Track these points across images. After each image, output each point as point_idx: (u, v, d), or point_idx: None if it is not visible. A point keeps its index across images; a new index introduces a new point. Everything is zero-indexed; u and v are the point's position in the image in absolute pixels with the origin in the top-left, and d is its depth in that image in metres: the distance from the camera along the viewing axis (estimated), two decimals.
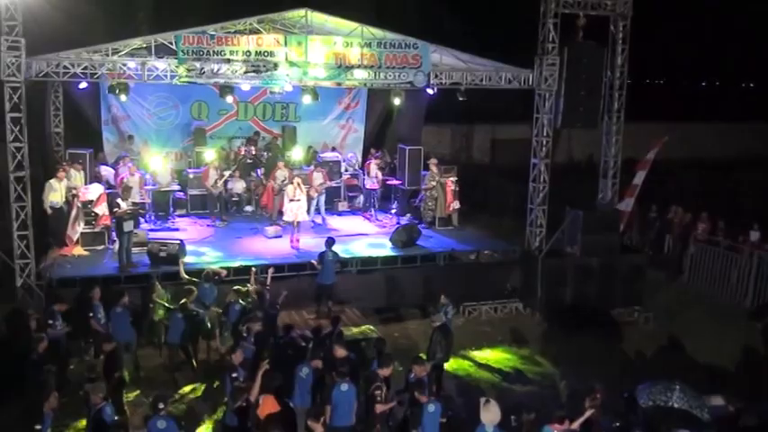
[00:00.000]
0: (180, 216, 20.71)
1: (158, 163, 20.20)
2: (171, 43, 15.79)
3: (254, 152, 21.73)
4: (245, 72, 16.02)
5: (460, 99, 17.55)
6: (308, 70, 16.36)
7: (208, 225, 19.93)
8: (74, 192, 17.55)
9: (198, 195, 20.83)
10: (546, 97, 17.66)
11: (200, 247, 17.95)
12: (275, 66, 16.12)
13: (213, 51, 15.83)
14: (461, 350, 15.96)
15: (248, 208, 21.35)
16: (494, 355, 16.07)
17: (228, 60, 15.87)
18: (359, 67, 16.62)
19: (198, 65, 15.76)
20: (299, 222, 18.03)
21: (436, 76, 17.29)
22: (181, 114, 22.38)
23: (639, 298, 17.86)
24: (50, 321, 13.39)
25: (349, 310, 16.80)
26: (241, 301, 14.43)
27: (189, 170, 21.43)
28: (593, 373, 14.43)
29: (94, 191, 17.51)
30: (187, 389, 13.99)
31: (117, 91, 16.16)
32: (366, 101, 23.74)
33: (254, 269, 15.17)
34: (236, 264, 16.40)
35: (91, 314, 14.25)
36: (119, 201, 16.13)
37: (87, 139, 21.02)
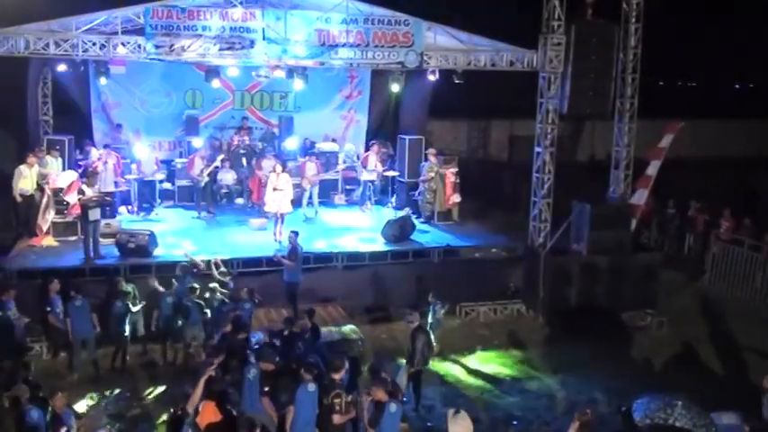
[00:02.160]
0: (167, 207, 19.29)
1: (143, 152, 18.78)
2: (139, 17, 14.31)
3: (247, 142, 20.23)
4: (219, 49, 14.47)
5: (456, 81, 15.85)
6: (287, 48, 14.77)
7: (193, 217, 18.45)
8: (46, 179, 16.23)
9: (186, 186, 19.35)
10: (551, 80, 15.87)
11: (178, 239, 16.48)
12: (251, 43, 14.56)
13: (184, 26, 14.30)
14: (452, 354, 14.43)
15: (239, 200, 19.82)
16: (488, 361, 14.39)
17: (200, 36, 14.34)
18: (344, 45, 14.99)
19: (167, 41, 14.24)
20: (282, 214, 16.41)
21: (430, 57, 15.57)
22: (174, 103, 20.90)
23: (653, 300, 16.12)
24: None
25: (333, 309, 15.21)
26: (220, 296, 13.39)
27: (176, 160, 19.97)
28: (597, 383, 13.10)
29: (66, 178, 16.10)
30: (147, 391, 12.68)
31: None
32: (369, 91, 22.09)
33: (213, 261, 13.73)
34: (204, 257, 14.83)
35: (48, 308, 13.01)
36: (83, 187, 14.68)
37: (77, 127, 19.84)
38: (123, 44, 14.29)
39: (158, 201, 19.27)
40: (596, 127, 30.40)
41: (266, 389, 10.27)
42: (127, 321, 13.24)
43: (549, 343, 15.13)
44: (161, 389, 12.65)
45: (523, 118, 29.39)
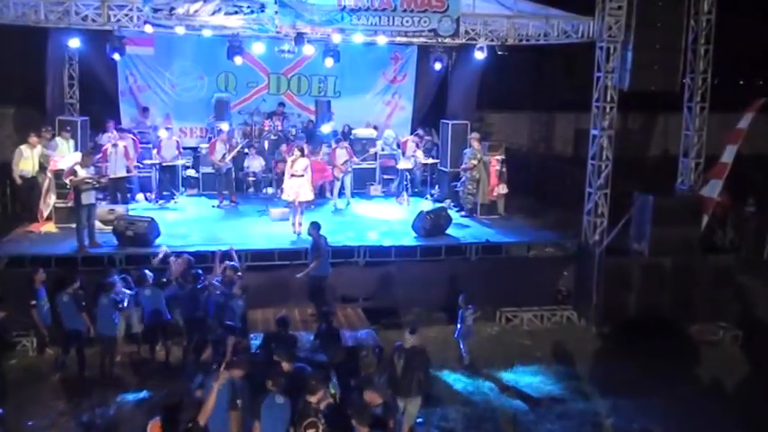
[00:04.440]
0: (189, 196, 17.52)
1: (161, 134, 17.01)
2: None
3: (279, 128, 18.25)
4: (225, 13, 12.49)
5: (499, 53, 13.48)
6: (301, 12, 12.70)
7: (213, 206, 16.57)
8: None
9: (211, 174, 17.43)
10: (610, 51, 13.35)
11: (189, 229, 14.63)
12: (261, 6, 12.54)
13: None
14: (485, 367, 12.10)
15: (268, 189, 17.82)
16: (526, 376, 11.97)
17: None
18: (366, 9, 12.83)
19: (167, 4, 12.33)
20: (301, 203, 14.33)
21: (469, 26, 13.26)
22: (206, 86, 19.09)
23: (726, 311, 13.66)
24: None
25: (351, 310, 13.04)
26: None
27: (201, 146, 18.16)
28: (655, 410, 10.87)
29: (69, 160, 14.37)
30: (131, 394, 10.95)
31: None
32: (415, 74, 19.87)
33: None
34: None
35: (33, 301, 11.32)
36: (76, 168, 12.89)
37: (105, 110, 18.29)
38: (119, 7, 12.45)
39: (181, 189, 17.54)
40: (669, 120, 27.71)
41: (238, 401, 8.14)
42: (115, 319, 11.36)
43: (601, 358, 12.73)
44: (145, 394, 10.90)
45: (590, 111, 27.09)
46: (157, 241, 13.38)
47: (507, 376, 11.91)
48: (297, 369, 8.36)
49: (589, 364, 12.47)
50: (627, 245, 13.91)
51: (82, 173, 12.83)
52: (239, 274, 11.56)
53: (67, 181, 13.07)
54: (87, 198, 12.86)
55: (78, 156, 14.49)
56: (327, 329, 10.22)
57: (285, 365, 8.32)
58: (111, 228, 13.50)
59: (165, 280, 11.65)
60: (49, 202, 14.41)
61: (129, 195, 16.34)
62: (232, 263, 11.80)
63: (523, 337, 13.44)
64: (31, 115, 18.14)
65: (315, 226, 12.48)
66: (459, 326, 12.05)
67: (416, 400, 9.36)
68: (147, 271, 11.67)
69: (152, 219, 13.45)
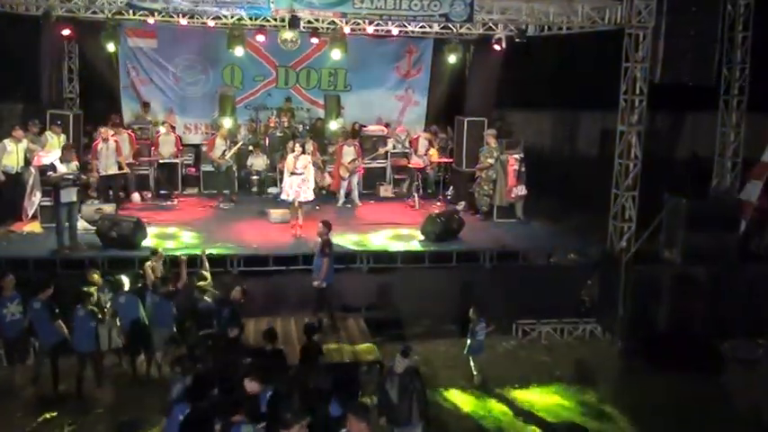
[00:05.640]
0: (189, 195, 16.47)
1: (160, 131, 15.96)
2: None
3: (286, 124, 17.09)
4: None
5: (517, 41, 12.19)
6: None
7: (212, 206, 15.44)
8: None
9: (213, 172, 16.33)
10: (639, 39, 12.01)
11: (181, 230, 13.49)
12: None
13: None
14: (498, 387, 10.82)
15: (272, 189, 16.64)
16: (544, 398, 10.68)
17: None
18: None
19: None
20: (301, 203, 13.12)
21: (484, 9, 12.00)
22: (211, 80, 18.12)
23: (766, 326, 12.24)
24: None
25: (352, 321, 11.80)
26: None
27: (202, 143, 17.11)
28: None
29: (55, 155, 13.29)
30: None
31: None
32: (430, 67, 18.73)
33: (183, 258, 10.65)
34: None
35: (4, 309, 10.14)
36: (55, 163, 11.79)
37: (105, 106, 17.39)
38: None
39: (180, 187, 16.47)
40: (698, 120, 26.22)
41: None
42: (93, 332, 10.19)
43: (628, 377, 11.46)
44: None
45: (617, 110, 25.70)
46: (144, 243, 12.28)
47: (522, 398, 10.64)
48: (273, 396, 7.16)
49: (614, 384, 11.19)
50: (657, 252, 12.70)
51: (61, 168, 11.73)
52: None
53: (45, 177, 12.01)
54: (67, 196, 11.78)
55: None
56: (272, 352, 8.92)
57: (252, 386, 7.15)
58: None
59: (140, 285, 10.53)
60: (34, 200, 13.35)
61: (123, 194, 15.34)
62: None
63: (541, 352, 12.15)
64: (25, 110, 17.30)
65: (326, 225, 11.25)
66: (469, 341, 10.77)
67: (417, 430, 8.12)
68: (123, 276, 10.56)
69: (138, 219, 12.38)
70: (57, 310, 10.11)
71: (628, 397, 10.72)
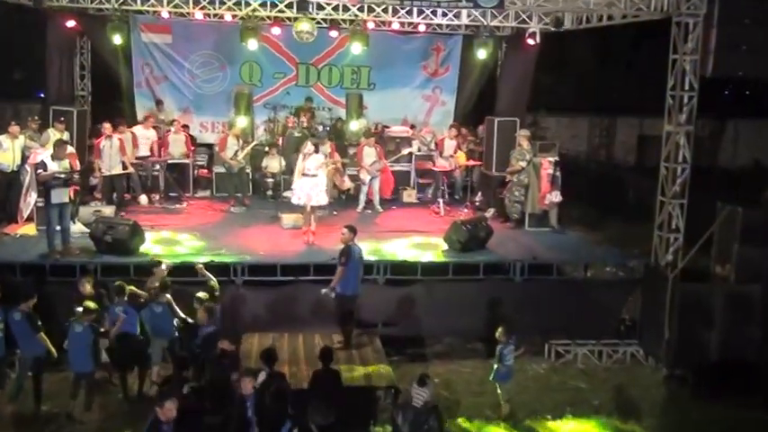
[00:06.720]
0: (201, 198, 15.46)
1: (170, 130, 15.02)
2: None
3: (305, 124, 16.00)
4: None
5: (553, 30, 10.94)
6: None
7: (222, 210, 14.38)
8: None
9: (224, 174, 15.30)
10: (689, 28, 10.70)
11: (183, 234, 12.43)
12: None
13: None
14: (529, 417, 9.61)
15: (288, 193, 15.48)
16: (580, 431, 9.33)
17: None
18: None
19: None
20: (313, 207, 11.98)
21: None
22: (229, 77, 17.23)
23: None
24: None
25: (366, 338, 10.60)
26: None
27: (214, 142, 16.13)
28: None
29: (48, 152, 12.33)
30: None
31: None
32: (459, 66, 17.59)
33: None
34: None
35: None
36: (46, 161, 10.78)
37: (118, 103, 16.81)
38: None
39: (191, 190, 15.48)
40: (739, 128, 24.88)
41: None
42: (91, 351, 9.13)
43: (674, 408, 10.13)
44: None
45: (654, 116, 24.43)
46: (142, 249, 11.23)
47: (556, 429, 9.39)
48: None
49: (658, 416, 9.89)
50: (707, 268, 11.36)
51: (52, 166, 10.72)
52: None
53: (36, 175, 11.05)
54: (58, 196, 10.77)
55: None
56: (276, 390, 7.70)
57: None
58: None
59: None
60: (30, 200, 12.43)
61: (129, 196, 14.38)
62: None
63: (577, 378, 10.83)
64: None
65: (351, 230, 10.08)
66: (495, 365, 9.51)
67: None
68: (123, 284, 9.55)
69: (135, 222, 11.32)
70: (39, 323, 9.14)
71: (674, 430, 9.55)
